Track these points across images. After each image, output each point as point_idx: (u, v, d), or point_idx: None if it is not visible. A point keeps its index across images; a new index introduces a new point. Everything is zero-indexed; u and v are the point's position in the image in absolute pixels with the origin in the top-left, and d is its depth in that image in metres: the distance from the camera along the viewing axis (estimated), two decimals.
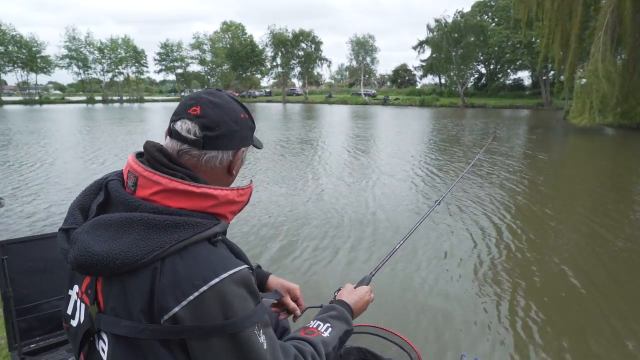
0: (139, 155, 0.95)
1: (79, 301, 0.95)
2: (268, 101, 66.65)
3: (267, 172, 10.18)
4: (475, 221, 6.33)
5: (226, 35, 76.21)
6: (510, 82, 56.46)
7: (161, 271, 0.81)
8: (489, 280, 4.47)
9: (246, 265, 0.90)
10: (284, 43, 64.69)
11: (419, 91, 61.10)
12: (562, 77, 26.48)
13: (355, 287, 1.33)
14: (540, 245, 5.47)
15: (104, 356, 0.87)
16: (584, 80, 18.94)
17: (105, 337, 0.87)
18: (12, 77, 65.19)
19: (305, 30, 65.06)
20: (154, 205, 0.86)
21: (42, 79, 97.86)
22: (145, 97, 73.30)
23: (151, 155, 0.92)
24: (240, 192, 0.96)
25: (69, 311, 0.99)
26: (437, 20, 49.05)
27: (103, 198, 0.93)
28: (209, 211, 0.90)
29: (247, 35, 75.79)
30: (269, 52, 69.12)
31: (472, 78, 58.14)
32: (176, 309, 0.79)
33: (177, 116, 0.95)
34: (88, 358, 0.93)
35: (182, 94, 75.87)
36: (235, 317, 0.83)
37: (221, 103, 0.96)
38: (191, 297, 0.80)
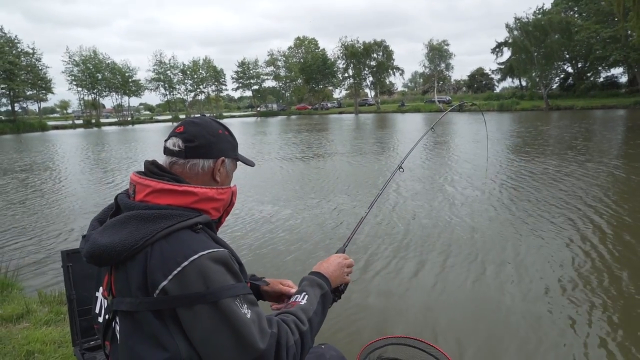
0: (139, 172, 1.18)
1: (102, 299, 1.16)
2: (340, 112, 67.19)
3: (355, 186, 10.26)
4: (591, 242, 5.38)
5: (299, 50, 78.47)
6: (601, 80, 51.98)
7: (151, 254, 0.99)
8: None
9: (226, 249, 1.07)
10: (355, 54, 65.17)
11: (497, 95, 58.50)
12: None
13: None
14: None
15: (118, 334, 1.07)
16: None
17: (117, 317, 1.06)
18: (109, 101, 72.17)
19: (376, 39, 65.21)
20: (146, 203, 1.07)
21: (134, 101, 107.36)
22: (224, 114, 77.44)
23: (147, 168, 1.17)
24: (219, 191, 1.16)
25: (97, 310, 1.18)
26: (517, 19, 46.73)
27: (114, 208, 1.16)
28: (192, 206, 1.09)
29: (319, 49, 77.46)
30: (341, 64, 70.12)
31: (557, 78, 54.39)
32: (164, 283, 0.97)
33: (168, 136, 1.20)
34: (112, 343, 1.11)
35: (259, 109, 79.23)
36: (214, 287, 0.98)
37: (200, 122, 1.21)
38: (175, 272, 0.97)
